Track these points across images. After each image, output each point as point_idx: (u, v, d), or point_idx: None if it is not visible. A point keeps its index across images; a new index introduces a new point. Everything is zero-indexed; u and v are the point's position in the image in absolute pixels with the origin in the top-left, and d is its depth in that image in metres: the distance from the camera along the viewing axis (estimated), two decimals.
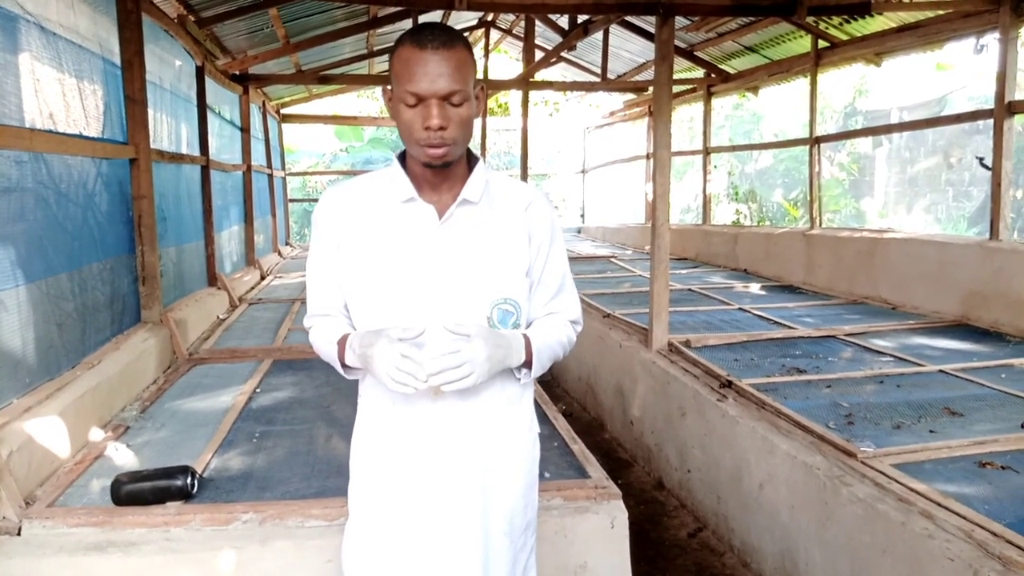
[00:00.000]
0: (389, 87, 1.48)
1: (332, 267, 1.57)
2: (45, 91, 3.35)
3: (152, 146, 4.59)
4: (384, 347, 1.40)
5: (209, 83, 6.73)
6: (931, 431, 3.08)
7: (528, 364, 1.52)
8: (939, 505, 2.35)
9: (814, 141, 7.32)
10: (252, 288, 7.69)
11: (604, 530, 2.47)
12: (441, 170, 1.50)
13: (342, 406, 3.64)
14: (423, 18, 8.45)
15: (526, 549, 1.65)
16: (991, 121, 5.18)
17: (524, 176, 10.68)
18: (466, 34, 11.76)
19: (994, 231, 5.10)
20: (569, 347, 1.66)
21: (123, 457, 2.99)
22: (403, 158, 1.56)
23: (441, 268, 1.49)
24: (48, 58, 3.41)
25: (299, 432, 3.29)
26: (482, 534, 1.54)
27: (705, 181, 9.61)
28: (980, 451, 2.81)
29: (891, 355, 4.26)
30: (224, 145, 7.63)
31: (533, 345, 1.52)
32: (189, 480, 2.54)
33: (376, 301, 1.51)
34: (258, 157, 9.57)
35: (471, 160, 1.57)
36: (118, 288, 4.17)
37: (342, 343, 1.52)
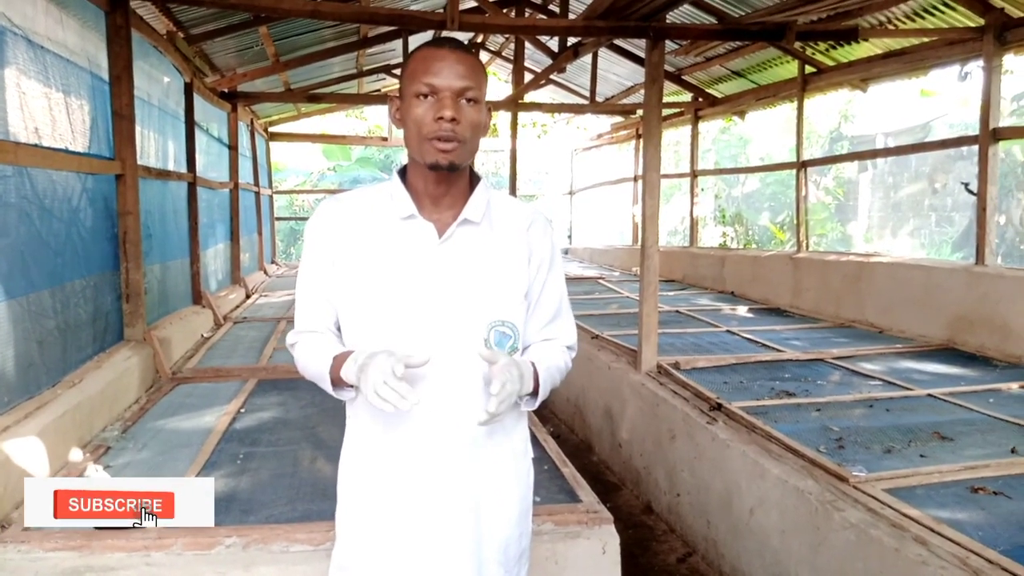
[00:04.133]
0: (397, 97, 1.48)
1: (324, 282, 1.53)
2: (31, 105, 3.31)
3: (139, 162, 4.54)
4: (382, 360, 1.34)
5: (197, 100, 6.70)
6: (922, 456, 3.06)
7: (535, 391, 1.49)
8: (933, 531, 2.33)
9: (801, 165, 7.38)
10: (237, 306, 7.61)
11: (595, 555, 2.42)
12: (444, 181, 1.47)
13: (327, 427, 3.59)
14: (413, 38, 8.48)
15: None
16: (975, 147, 5.24)
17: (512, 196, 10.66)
18: None
19: (980, 256, 5.14)
20: (566, 373, 1.64)
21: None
22: (403, 174, 1.53)
23: (439, 288, 1.46)
24: (35, 72, 3.37)
25: (284, 454, 3.23)
26: (475, 563, 1.49)
27: (692, 204, 9.66)
28: (972, 476, 2.80)
29: (880, 379, 4.25)
30: (211, 162, 7.59)
31: (540, 376, 1.50)
32: None
33: (371, 319, 1.47)
34: (245, 175, 9.53)
35: (473, 179, 1.55)
36: (101, 305, 4.10)
37: (340, 359, 1.45)
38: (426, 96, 1.40)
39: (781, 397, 3.97)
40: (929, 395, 3.89)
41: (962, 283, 5.10)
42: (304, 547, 2.33)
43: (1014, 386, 4.02)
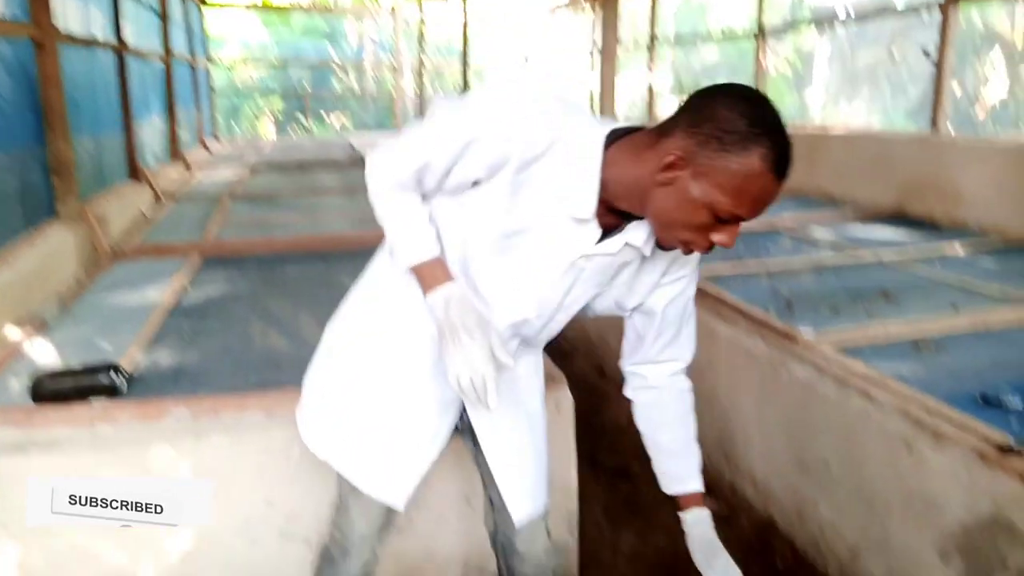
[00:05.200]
0: (685, 159, 1.19)
1: (468, 171, 1.27)
2: None
3: (60, 28, 4.19)
4: (482, 347, 1.29)
5: None
6: (868, 315, 3.13)
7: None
8: (876, 384, 2.40)
9: (760, 34, 7.18)
10: (179, 184, 7.32)
11: (550, 414, 2.44)
12: None
13: (278, 301, 3.51)
14: None
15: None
16: (936, 15, 5.12)
17: (464, 67, 10.25)
18: None
19: (934, 122, 5.12)
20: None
21: (42, 355, 2.83)
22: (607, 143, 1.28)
23: (563, 290, 1.39)
24: None
25: (233, 329, 3.16)
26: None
27: (650, 73, 9.43)
28: (915, 332, 2.87)
29: (829, 244, 4.30)
30: (141, 31, 7.10)
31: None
32: (117, 377, 2.42)
33: (475, 270, 1.37)
34: (178, 45, 8.96)
35: None
36: (28, 180, 3.88)
37: (435, 266, 1.34)
38: (723, 220, 1.23)
39: (732, 264, 3.99)
40: (877, 259, 3.96)
41: (915, 151, 5.10)
42: (257, 415, 2.30)
43: (959, 249, 4.10)
